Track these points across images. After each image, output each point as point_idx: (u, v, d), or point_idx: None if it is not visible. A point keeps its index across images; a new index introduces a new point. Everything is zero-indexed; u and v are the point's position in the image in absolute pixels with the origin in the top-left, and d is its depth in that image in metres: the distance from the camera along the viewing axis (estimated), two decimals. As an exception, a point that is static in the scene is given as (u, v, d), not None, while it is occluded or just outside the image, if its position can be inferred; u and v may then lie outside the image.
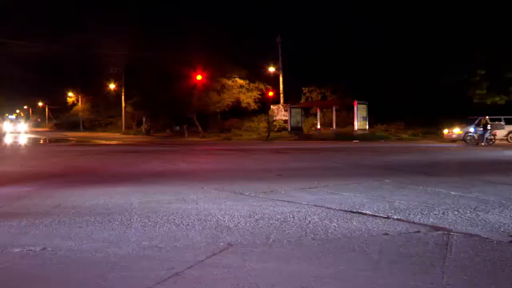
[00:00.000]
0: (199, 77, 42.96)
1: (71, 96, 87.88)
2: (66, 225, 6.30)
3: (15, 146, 31.88)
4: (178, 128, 52.20)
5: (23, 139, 43.11)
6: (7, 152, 25.18)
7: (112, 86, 69.13)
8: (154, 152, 23.48)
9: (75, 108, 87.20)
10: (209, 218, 6.60)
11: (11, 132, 63.87)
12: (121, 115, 66.42)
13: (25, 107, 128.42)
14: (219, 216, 6.72)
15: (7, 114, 79.71)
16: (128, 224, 6.28)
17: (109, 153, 22.96)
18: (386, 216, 6.69)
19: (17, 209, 7.60)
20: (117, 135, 56.54)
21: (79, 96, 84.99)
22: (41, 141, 40.52)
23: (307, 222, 6.34)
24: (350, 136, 36.25)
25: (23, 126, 79.03)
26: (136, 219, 6.60)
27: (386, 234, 5.72)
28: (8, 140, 41.32)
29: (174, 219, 6.55)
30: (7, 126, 70.09)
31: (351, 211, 7.05)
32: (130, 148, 27.09)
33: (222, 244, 5.29)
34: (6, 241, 5.56)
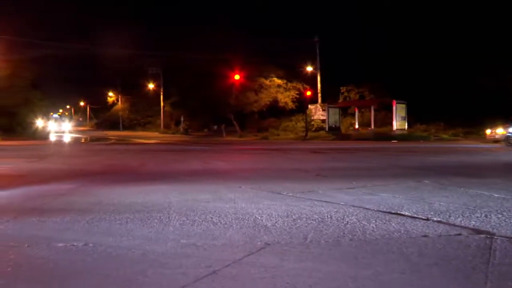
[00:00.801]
0: (237, 77, 43.17)
1: (111, 95, 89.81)
2: (106, 222, 6.44)
3: (58, 145, 32.77)
4: (216, 127, 52.60)
5: (66, 138, 44.26)
6: (50, 150, 25.88)
7: (151, 86, 70.27)
8: (192, 151, 23.73)
9: (115, 107, 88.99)
10: (247, 217, 6.63)
11: (56, 132, 63.26)
12: (159, 115, 67.41)
13: (68, 106, 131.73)
14: (256, 215, 6.74)
15: (51, 113, 79.09)
16: (166, 222, 6.37)
17: (147, 152, 23.34)
18: (425, 218, 6.55)
19: (60, 206, 7.82)
20: (156, 134, 57.38)
21: (119, 96, 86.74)
22: (83, 140, 41.49)
23: (344, 222, 6.29)
24: (389, 136, 35.76)
25: (67, 125, 78.21)
26: (175, 217, 6.69)
27: (426, 236, 5.60)
28: (51, 139, 42.45)
29: (212, 218, 6.60)
30: (51, 125, 68.59)
31: (390, 212, 6.95)
32: (168, 147, 27.44)
33: (259, 243, 5.30)
34: (51, 236, 5.74)
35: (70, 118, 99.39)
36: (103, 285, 4.17)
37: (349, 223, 6.23)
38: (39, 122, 51.40)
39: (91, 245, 5.31)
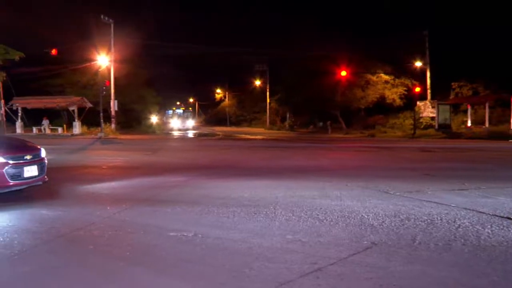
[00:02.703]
0: (343, 73, 42.59)
1: (219, 92, 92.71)
2: (214, 215, 6.66)
3: (169, 139, 34.45)
4: (321, 124, 52.35)
5: (179, 133, 46.28)
6: (162, 144, 27.23)
7: (257, 82, 71.53)
8: (297, 147, 23.82)
9: (223, 104, 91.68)
10: (353, 216, 6.54)
11: (179, 130, 56.26)
12: (265, 111, 68.37)
13: (178, 103, 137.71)
14: (363, 214, 6.63)
15: (174, 108, 74.53)
16: (272, 217, 6.46)
17: (253, 147, 23.78)
18: (549, 225, 6.05)
19: (171, 197, 8.23)
20: (261, 130, 58.30)
21: (226, 93, 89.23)
22: (191, 135, 43.16)
23: (456, 226, 5.98)
24: (506, 135, 33.30)
25: (191, 122, 67.74)
26: (280, 212, 6.76)
27: (550, 245, 5.17)
28: (165, 134, 44.57)
29: (318, 215, 6.59)
30: (175, 122, 62.68)
31: (508, 218, 6.49)
32: (274, 143, 27.78)
33: (366, 242, 5.21)
34: (163, 225, 6.07)
35: (194, 114, 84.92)
36: (211, 274, 4.33)
37: (461, 227, 5.92)
38: (154, 118, 53.87)
39: (200, 236, 5.53)
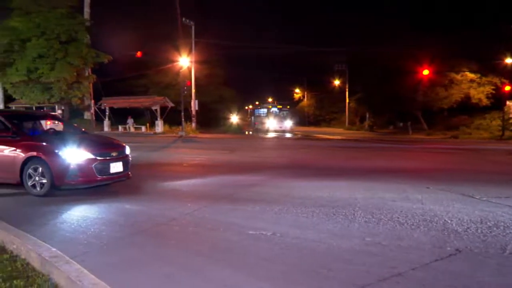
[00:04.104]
0: (425, 72, 41.18)
1: (297, 92, 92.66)
2: (293, 214, 6.67)
3: (247, 138, 34.87)
4: (401, 124, 50.86)
5: (272, 135, 46.58)
6: (241, 143, 27.59)
7: (336, 82, 70.80)
8: (377, 148, 23.33)
9: (301, 103, 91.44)
10: (435, 220, 6.31)
11: (275, 131, 47.59)
12: (344, 111, 67.51)
13: (256, 102, 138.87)
14: (446, 219, 6.38)
15: (270, 107, 56.45)
16: (351, 219, 6.37)
17: (332, 148, 23.56)
18: None
19: (250, 196, 8.32)
20: (340, 130, 57.60)
21: (305, 92, 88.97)
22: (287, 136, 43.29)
23: (551, 234, 5.61)
24: None
25: (289, 122, 52.56)
26: (360, 214, 6.66)
27: None
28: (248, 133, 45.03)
29: (398, 218, 6.42)
30: (270, 122, 50.24)
31: None
32: (353, 144, 27.38)
33: (449, 249, 5.01)
34: (242, 223, 6.16)
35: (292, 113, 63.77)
36: (289, 273, 4.34)
37: (556, 236, 5.54)
38: (234, 118, 54.01)
39: (278, 235, 5.56)
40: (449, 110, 47.33)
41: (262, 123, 50.86)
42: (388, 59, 44.43)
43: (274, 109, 54.07)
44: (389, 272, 4.28)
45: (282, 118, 52.33)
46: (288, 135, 41.64)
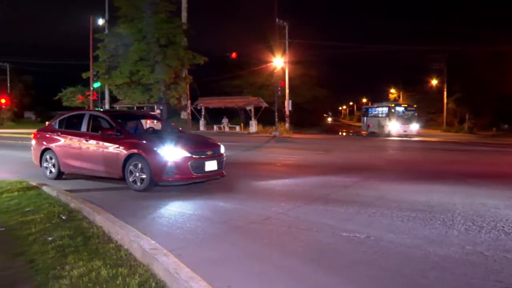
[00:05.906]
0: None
1: (392, 92, 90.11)
2: (388, 218, 6.48)
3: (341, 139, 34.43)
4: (507, 126, 47.82)
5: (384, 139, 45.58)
6: (336, 144, 27.30)
7: (434, 82, 68.03)
8: (478, 151, 22.06)
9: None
10: (546, 231, 5.84)
11: (399, 135, 38.71)
12: (441, 112, 64.66)
13: (351, 103, 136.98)
14: (560, 230, 5.88)
15: (392, 105, 44.94)
16: (450, 225, 6.08)
17: (430, 150, 22.65)
18: None
19: (343, 197, 8.21)
20: (437, 132, 55.22)
21: (401, 92, 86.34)
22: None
23: None
24: None
25: (415, 125, 42.00)
26: (459, 220, 6.33)
27: None
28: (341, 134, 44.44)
29: (503, 227, 6.01)
30: (393, 125, 39.56)
31: None
32: (452, 146, 26.11)
33: None
34: (335, 224, 6.09)
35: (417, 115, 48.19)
36: (383, 278, 4.22)
37: None
38: (329, 118, 53.61)
39: (372, 238, 5.43)
40: None
41: (381, 126, 41.50)
42: (490, 58, 41.91)
43: (399, 108, 42.27)
44: (493, 285, 4.01)
45: (407, 119, 41.37)
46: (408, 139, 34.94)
